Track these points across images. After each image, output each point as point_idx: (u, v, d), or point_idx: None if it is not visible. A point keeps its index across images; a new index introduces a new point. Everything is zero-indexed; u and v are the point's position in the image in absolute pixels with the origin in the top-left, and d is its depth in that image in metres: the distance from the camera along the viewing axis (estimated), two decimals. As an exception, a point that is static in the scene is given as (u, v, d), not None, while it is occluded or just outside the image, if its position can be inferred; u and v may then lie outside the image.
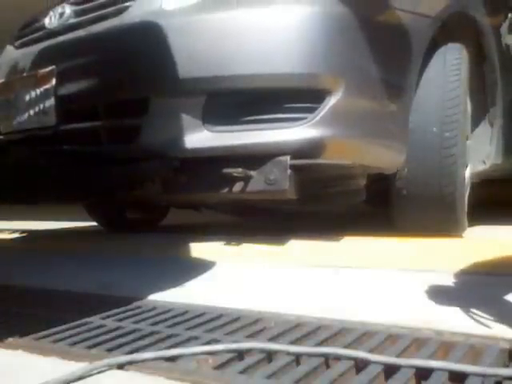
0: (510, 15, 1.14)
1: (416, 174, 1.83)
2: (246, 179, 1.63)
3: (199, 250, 1.80)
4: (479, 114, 2.30)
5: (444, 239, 1.76)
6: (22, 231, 2.69)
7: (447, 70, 1.87)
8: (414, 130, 1.82)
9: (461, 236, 1.89)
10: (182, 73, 1.60)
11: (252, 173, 1.62)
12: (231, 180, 1.65)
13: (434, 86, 1.86)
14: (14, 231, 2.77)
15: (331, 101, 1.57)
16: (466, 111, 1.97)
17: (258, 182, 1.62)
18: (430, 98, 1.84)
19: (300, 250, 1.72)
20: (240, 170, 1.61)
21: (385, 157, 1.79)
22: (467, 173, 1.98)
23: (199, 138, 1.62)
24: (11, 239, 2.60)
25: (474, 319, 0.98)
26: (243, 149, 1.60)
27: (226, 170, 1.63)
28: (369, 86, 1.68)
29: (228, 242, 1.80)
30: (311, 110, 1.57)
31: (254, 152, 1.60)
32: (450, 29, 2.00)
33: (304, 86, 1.58)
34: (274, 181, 1.59)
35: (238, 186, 1.64)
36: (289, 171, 1.58)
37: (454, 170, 1.80)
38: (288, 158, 1.59)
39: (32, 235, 2.67)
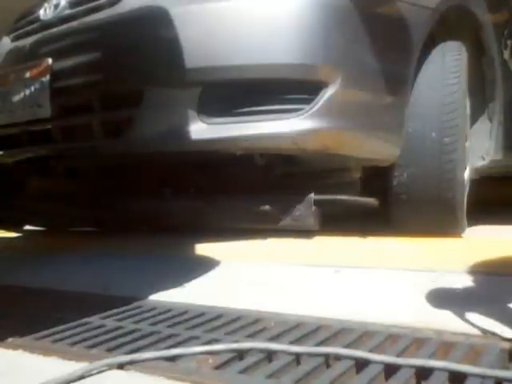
0: (509, 42, 1.14)
1: (415, 180, 1.81)
2: (272, 215, 1.70)
3: (199, 249, 1.80)
4: (478, 110, 2.27)
5: (444, 239, 1.76)
6: (22, 231, 2.68)
7: (446, 73, 1.84)
8: (412, 134, 1.80)
9: (460, 236, 1.89)
10: (176, 63, 1.58)
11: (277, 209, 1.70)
12: (257, 215, 1.73)
13: (433, 89, 1.83)
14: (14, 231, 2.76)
15: (328, 92, 1.56)
16: (466, 113, 1.96)
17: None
18: (428, 102, 1.82)
19: (300, 249, 1.72)
20: (267, 206, 1.70)
21: (381, 149, 1.79)
22: (466, 174, 1.98)
23: (194, 130, 1.59)
24: (11, 239, 2.60)
25: (474, 319, 0.98)
26: (240, 141, 1.59)
27: (253, 207, 1.72)
28: (366, 78, 1.68)
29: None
30: (308, 101, 1.56)
31: (250, 144, 1.60)
32: (448, 23, 1.98)
33: (301, 76, 1.56)
34: (299, 217, 1.66)
35: (263, 221, 1.73)
36: (313, 207, 1.63)
37: (453, 175, 1.79)
38: (312, 194, 1.66)
39: (32, 235, 2.66)
